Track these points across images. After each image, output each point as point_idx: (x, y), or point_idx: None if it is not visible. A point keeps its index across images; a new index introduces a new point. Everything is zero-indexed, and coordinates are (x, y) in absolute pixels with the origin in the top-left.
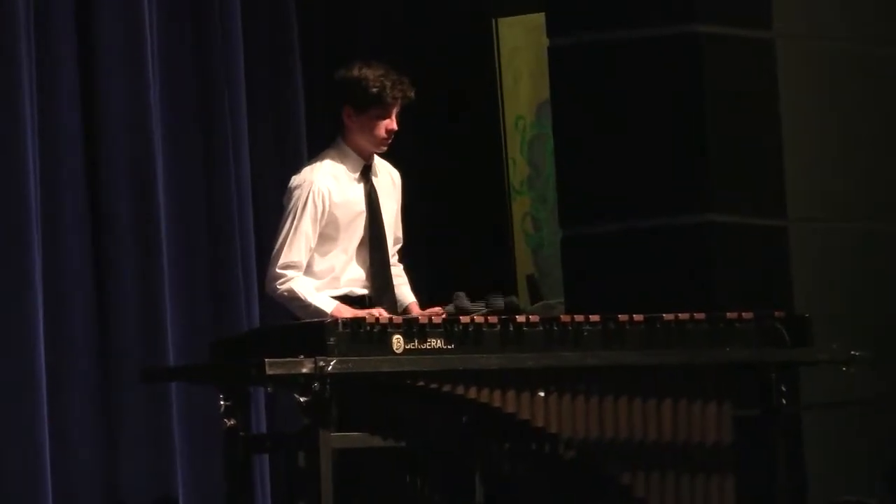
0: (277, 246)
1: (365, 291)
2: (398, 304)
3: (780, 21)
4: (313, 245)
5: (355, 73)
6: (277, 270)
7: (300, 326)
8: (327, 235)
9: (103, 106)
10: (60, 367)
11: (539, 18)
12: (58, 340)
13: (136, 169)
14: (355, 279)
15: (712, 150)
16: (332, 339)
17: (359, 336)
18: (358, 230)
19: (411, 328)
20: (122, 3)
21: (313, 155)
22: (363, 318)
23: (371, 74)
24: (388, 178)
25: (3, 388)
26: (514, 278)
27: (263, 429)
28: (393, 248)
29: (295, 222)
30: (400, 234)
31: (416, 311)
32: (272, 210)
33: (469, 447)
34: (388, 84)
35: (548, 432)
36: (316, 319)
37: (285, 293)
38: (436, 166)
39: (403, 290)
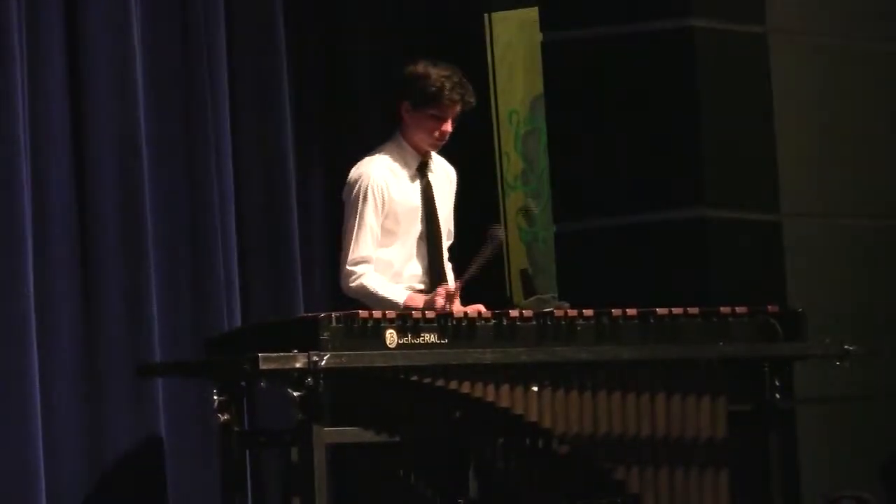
0: (345, 243)
1: (422, 287)
2: None
3: (773, 16)
4: (378, 236)
5: (420, 69)
6: (348, 268)
7: (294, 321)
8: (387, 229)
9: (90, 106)
10: (48, 365)
11: (532, 13)
12: (46, 338)
13: (122, 169)
14: (415, 275)
15: (706, 145)
16: (325, 333)
17: (352, 331)
18: (415, 226)
19: (405, 323)
20: (109, 4)
21: (300, 154)
22: (356, 313)
23: (434, 73)
24: (444, 175)
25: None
26: (508, 273)
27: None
28: (446, 244)
29: (358, 217)
30: (451, 228)
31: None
32: (255, 210)
33: (462, 442)
34: (449, 85)
35: (541, 427)
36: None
37: (357, 289)
38: None
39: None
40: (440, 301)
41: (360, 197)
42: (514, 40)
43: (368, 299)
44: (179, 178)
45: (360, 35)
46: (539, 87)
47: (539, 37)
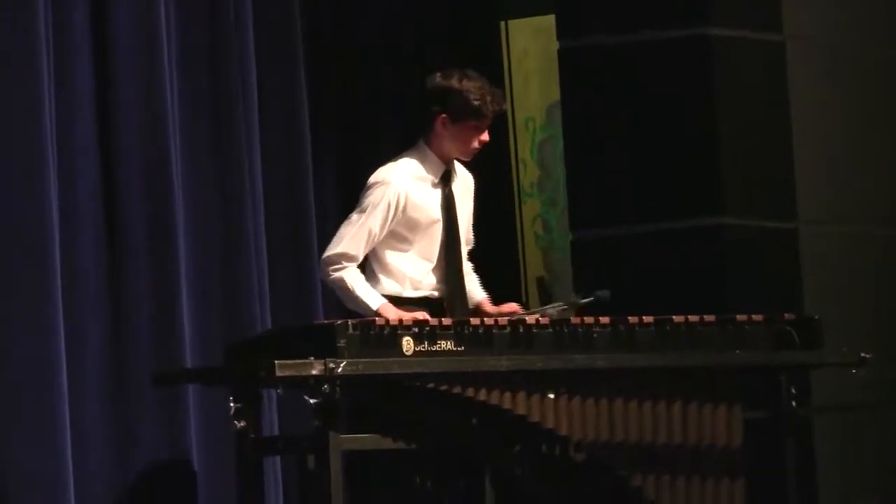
0: (340, 233)
1: (437, 294)
2: (469, 300)
3: (790, 24)
4: (377, 241)
5: (455, 83)
6: (332, 256)
7: (311, 328)
8: (401, 236)
9: (119, 110)
10: (77, 369)
11: (549, 20)
12: (74, 342)
13: (151, 173)
14: (431, 283)
15: (723, 153)
16: (342, 340)
17: (369, 338)
18: (436, 236)
19: (421, 330)
20: (138, 9)
21: (318, 165)
22: (373, 321)
23: (472, 87)
24: (464, 184)
25: (22, 389)
26: (525, 281)
27: (276, 430)
28: (465, 251)
29: (364, 217)
30: (471, 235)
31: (488, 307)
32: (281, 215)
33: (479, 449)
34: (489, 98)
35: (558, 434)
36: (319, 323)
37: (336, 280)
38: None
39: (473, 287)
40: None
41: (374, 201)
42: (531, 47)
43: (343, 293)
44: (209, 183)
45: (376, 43)
46: (555, 94)
47: (555, 44)
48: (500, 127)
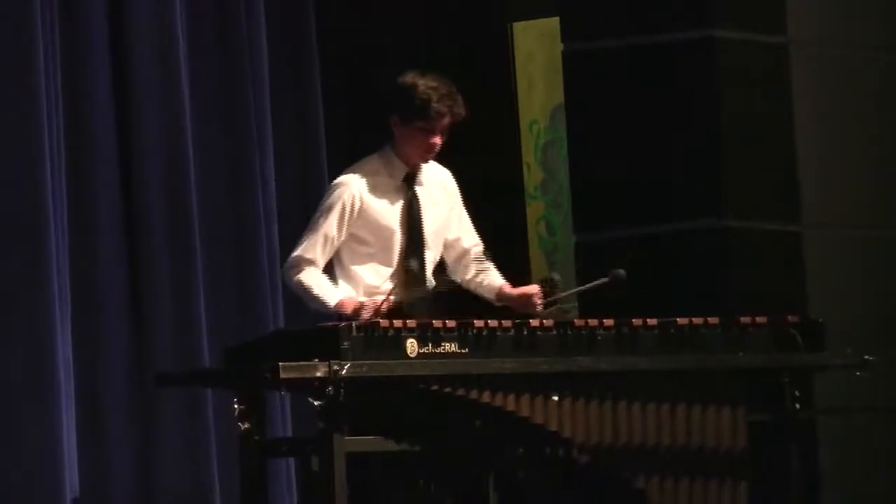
0: (301, 238)
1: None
2: (489, 289)
3: (794, 26)
4: (336, 245)
5: (408, 80)
6: (291, 260)
7: (315, 331)
8: (360, 238)
9: (137, 113)
10: (92, 371)
11: (553, 23)
12: (90, 345)
13: (170, 177)
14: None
15: (727, 156)
16: (346, 342)
17: (373, 340)
18: (391, 243)
19: (425, 332)
20: (154, 14)
21: (330, 167)
22: (377, 323)
23: (421, 84)
24: (436, 184)
25: (26, 390)
26: (529, 282)
27: (289, 432)
28: (437, 255)
29: (321, 221)
30: (472, 234)
31: (508, 290)
32: (294, 218)
33: (482, 451)
34: (436, 97)
35: (561, 437)
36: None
37: (295, 284)
38: (450, 171)
39: (492, 276)
40: (365, 315)
41: (331, 205)
42: (535, 50)
43: (303, 294)
44: (224, 187)
45: (386, 47)
46: (559, 96)
47: (560, 47)
48: (506, 129)
